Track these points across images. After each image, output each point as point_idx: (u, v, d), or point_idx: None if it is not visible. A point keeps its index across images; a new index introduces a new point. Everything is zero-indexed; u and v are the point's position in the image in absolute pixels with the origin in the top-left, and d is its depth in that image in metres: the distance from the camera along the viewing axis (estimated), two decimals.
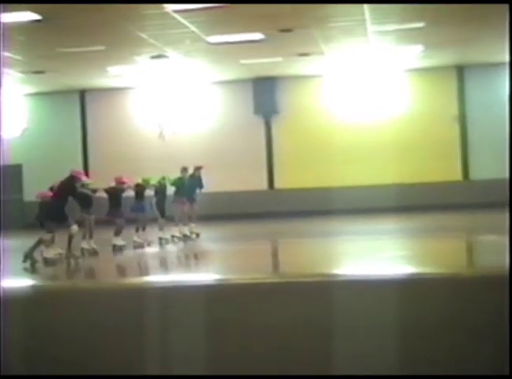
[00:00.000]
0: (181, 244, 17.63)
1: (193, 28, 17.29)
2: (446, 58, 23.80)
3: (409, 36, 19.65)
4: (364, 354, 3.95)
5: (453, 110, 25.79)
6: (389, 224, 20.93)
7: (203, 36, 18.31)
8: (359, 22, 17.61)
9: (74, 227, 14.10)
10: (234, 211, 24.96)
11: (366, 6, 15.95)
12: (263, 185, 26.23)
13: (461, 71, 25.69)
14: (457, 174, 25.73)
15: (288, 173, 26.10)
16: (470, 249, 16.08)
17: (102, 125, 26.77)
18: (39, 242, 14.20)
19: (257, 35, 18.61)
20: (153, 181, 17.75)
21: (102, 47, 19.15)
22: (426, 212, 23.16)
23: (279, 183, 26.30)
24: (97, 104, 26.82)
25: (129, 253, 15.90)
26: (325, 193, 24.84)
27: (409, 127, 25.65)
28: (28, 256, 14.04)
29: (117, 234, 16.04)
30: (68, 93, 26.46)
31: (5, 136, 25.63)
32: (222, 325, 3.92)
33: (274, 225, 22.26)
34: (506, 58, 24.10)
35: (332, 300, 3.91)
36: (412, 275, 4.44)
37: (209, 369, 3.85)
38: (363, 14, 16.72)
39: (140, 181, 17.48)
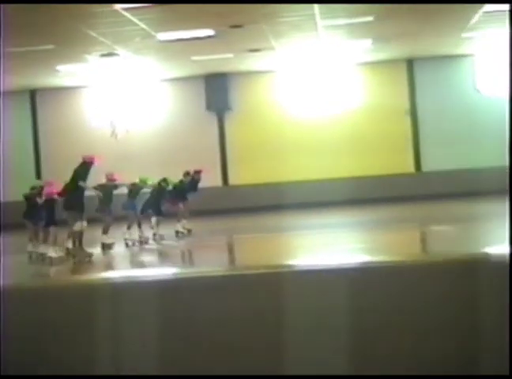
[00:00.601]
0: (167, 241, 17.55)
1: (142, 25, 17.22)
2: (395, 51, 24.01)
3: (359, 30, 19.78)
4: (316, 346, 3.96)
5: (405, 103, 26.03)
6: (343, 217, 21.07)
7: (153, 33, 18.25)
8: (309, 17, 17.68)
9: (83, 223, 14.20)
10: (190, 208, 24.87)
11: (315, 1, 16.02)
12: (217, 181, 26.22)
13: (411, 64, 25.94)
14: (409, 167, 25.99)
15: (242, 169, 26.13)
16: (424, 239, 16.27)
17: (54, 124, 26.53)
18: (73, 235, 14.22)
19: (208, 32, 18.60)
20: (150, 182, 17.72)
21: (51, 46, 18.98)
22: (379, 204, 23.35)
23: (233, 179, 26.32)
24: (48, 104, 26.57)
25: (119, 250, 15.76)
26: (279, 188, 24.91)
27: (361, 120, 25.83)
28: (77, 253, 14.13)
29: (105, 231, 15.80)
30: (18, 93, 26.17)
31: None
32: (173, 321, 3.91)
33: (229, 221, 22.27)
34: (455, 51, 24.43)
35: (284, 291, 3.93)
36: (366, 263, 4.45)
37: (161, 366, 3.84)
38: (312, 9, 16.80)
39: (135, 179, 17.51)
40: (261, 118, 26.14)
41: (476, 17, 19.07)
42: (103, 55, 20.52)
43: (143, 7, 15.39)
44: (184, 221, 18.63)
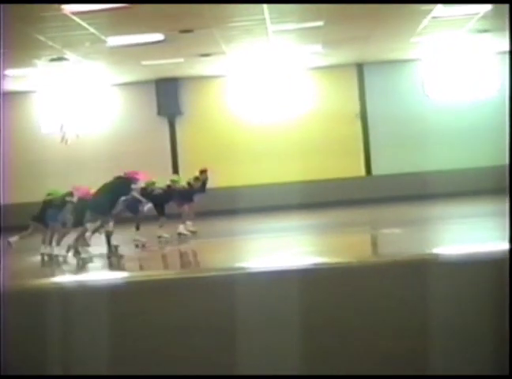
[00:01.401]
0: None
1: (92, 29, 17.11)
2: (346, 56, 24.19)
3: (309, 35, 19.89)
4: (268, 346, 3.99)
5: (355, 107, 26.23)
6: (295, 221, 21.13)
7: (103, 38, 18.14)
8: (259, 22, 17.74)
9: (111, 224, 14.72)
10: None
11: (265, 5, 16.07)
12: None
13: (361, 69, 26.15)
14: (360, 170, 26.19)
15: (193, 174, 26.02)
16: (373, 242, 16.42)
17: (2, 130, 26.19)
18: (108, 236, 14.72)
19: (158, 36, 18.55)
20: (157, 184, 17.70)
21: None
22: (331, 208, 23.49)
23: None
24: None
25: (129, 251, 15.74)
26: (231, 192, 24.92)
27: (313, 125, 25.97)
28: (113, 252, 14.72)
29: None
30: None
31: None
32: (123, 325, 3.91)
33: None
34: (404, 56, 24.70)
35: (234, 293, 3.94)
36: (316, 264, 4.50)
37: (111, 369, 3.83)
38: (262, 14, 16.85)
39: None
40: (212, 123, 26.14)
41: (425, 22, 19.30)
42: (52, 60, 20.33)
43: (92, 11, 15.29)
44: (189, 223, 18.48)
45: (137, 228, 16.92)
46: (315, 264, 4.38)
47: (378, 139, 26.04)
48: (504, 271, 3.92)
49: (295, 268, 4.30)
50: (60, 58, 20.20)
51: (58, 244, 15.43)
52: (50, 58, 20.08)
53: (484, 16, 18.97)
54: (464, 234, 14.90)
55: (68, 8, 15.02)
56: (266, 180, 25.46)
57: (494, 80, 26.08)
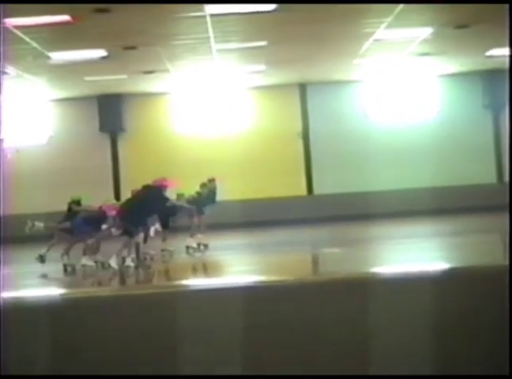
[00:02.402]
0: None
1: (34, 44, 16.97)
2: (288, 76, 24.37)
3: (252, 55, 20.01)
4: (209, 361, 4.00)
5: (297, 126, 26.41)
6: (236, 240, 21.15)
7: (46, 53, 18.01)
8: (203, 40, 17.79)
9: (141, 235, 14.72)
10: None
11: (209, 24, 16.13)
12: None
13: (303, 89, 26.36)
14: (301, 189, 26.33)
15: (133, 188, 25.90)
16: (314, 261, 16.52)
17: None
18: (137, 246, 14.70)
19: (101, 52, 18.49)
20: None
21: None
22: (273, 227, 23.54)
23: None
24: None
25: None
26: None
27: (255, 144, 26.06)
28: (138, 262, 14.57)
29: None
30: None
31: None
32: (63, 340, 3.89)
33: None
34: (346, 77, 24.98)
35: (173, 310, 3.94)
36: (256, 282, 4.53)
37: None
38: (206, 32, 16.91)
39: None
40: (155, 140, 26.06)
41: (367, 45, 19.56)
42: None
43: (35, 25, 15.18)
44: (200, 236, 17.68)
45: (145, 241, 16.14)
46: (255, 282, 4.40)
47: (320, 159, 26.24)
48: (440, 289, 4.00)
49: (235, 285, 4.32)
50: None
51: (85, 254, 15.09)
52: None
53: (425, 40, 19.31)
54: (401, 255, 15.08)
55: (10, 22, 14.88)
56: None
57: (434, 102, 26.52)
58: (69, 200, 16.14)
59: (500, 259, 13.65)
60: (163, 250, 17.03)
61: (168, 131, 26.19)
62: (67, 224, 15.30)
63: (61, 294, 4.74)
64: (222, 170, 25.79)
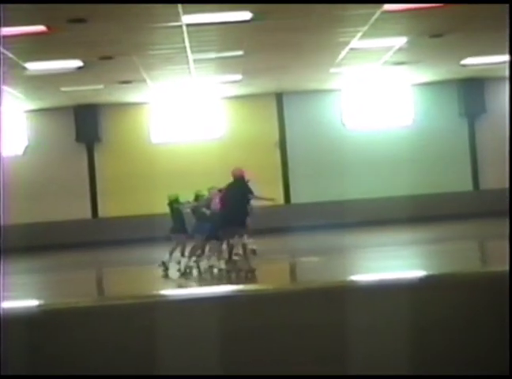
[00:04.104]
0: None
1: (10, 54, 16.90)
2: (265, 85, 24.41)
3: (229, 64, 20.04)
4: (187, 371, 4.00)
5: (274, 135, 26.46)
6: None
7: (21, 63, 17.94)
8: (180, 50, 17.79)
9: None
10: (57, 241, 24.43)
11: (186, 34, 16.14)
12: (87, 213, 25.87)
13: (280, 98, 26.42)
14: (279, 198, 26.32)
15: (112, 201, 25.87)
16: (291, 270, 16.55)
17: None
18: (231, 248, 14.01)
19: (77, 63, 18.43)
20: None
21: None
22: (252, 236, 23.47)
23: (103, 211, 26.01)
24: None
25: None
26: (150, 220, 24.74)
27: (233, 153, 26.02)
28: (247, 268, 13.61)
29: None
30: None
31: None
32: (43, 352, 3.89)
33: (97, 254, 21.99)
34: (323, 86, 25.08)
35: (151, 320, 3.95)
36: (233, 291, 4.54)
37: None
38: (183, 42, 16.92)
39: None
40: (131, 150, 26.01)
41: (343, 54, 19.65)
42: None
43: (11, 35, 15.11)
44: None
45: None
46: (232, 291, 4.42)
47: (297, 167, 26.30)
48: (417, 296, 4.02)
49: (211, 294, 4.33)
50: None
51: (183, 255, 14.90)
52: None
53: (401, 49, 19.43)
54: (378, 263, 15.14)
55: None
56: None
57: (410, 111, 26.67)
58: (167, 199, 15.74)
59: (477, 265, 13.75)
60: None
61: (145, 141, 26.15)
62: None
63: (38, 306, 4.73)
64: (197, 181, 25.77)
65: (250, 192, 13.88)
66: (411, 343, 3.96)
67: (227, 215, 13.63)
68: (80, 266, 19.12)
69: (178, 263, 14.84)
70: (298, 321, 3.99)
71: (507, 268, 4.05)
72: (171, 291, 12.17)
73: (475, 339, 4.00)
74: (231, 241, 14.03)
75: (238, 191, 13.75)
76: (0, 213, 23.32)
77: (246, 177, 14.31)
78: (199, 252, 14.72)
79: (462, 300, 4.04)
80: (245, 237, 14.09)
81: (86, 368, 3.93)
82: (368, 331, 4.01)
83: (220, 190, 14.84)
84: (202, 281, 14.13)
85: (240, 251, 14.57)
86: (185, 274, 14.61)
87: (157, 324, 3.96)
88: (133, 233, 24.84)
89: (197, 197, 15.49)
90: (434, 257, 15.74)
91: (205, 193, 15.69)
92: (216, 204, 14.52)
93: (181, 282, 14.33)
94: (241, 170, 14.32)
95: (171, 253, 15.03)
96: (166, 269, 14.92)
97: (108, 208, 25.90)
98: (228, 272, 14.15)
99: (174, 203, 15.56)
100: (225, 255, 14.47)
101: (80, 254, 22.02)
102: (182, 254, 15.06)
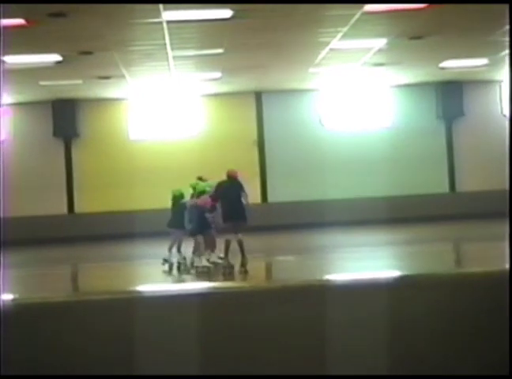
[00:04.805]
0: None
1: None
2: (244, 83, 24.42)
3: (209, 62, 20.02)
4: (166, 370, 4.00)
5: (253, 134, 26.47)
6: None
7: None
8: (160, 46, 17.76)
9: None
10: (32, 235, 24.30)
11: (166, 31, 16.12)
12: (63, 209, 25.76)
13: (259, 97, 26.43)
14: (256, 197, 26.35)
15: (89, 196, 25.78)
16: (267, 268, 16.59)
17: None
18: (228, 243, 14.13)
19: (56, 57, 18.34)
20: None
21: None
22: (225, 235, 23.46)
23: (79, 207, 25.91)
24: None
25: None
26: (126, 216, 24.72)
27: (211, 151, 26.04)
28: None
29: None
30: None
31: None
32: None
33: (73, 250, 21.90)
34: (302, 85, 25.12)
35: (129, 317, 3.94)
36: (209, 288, 4.55)
37: None
38: (163, 39, 16.88)
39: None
40: (109, 145, 25.93)
41: (323, 54, 19.69)
42: None
43: None
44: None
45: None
46: (208, 288, 4.42)
47: (275, 166, 26.33)
48: (393, 297, 4.05)
49: (188, 292, 4.33)
50: None
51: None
52: None
53: (380, 50, 19.49)
54: (354, 263, 15.19)
55: None
56: (163, 205, 25.34)
57: (388, 112, 26.77)
58: (171, 194, 15.73)
59: (452, 267, 13.83)
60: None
61: (123, 137, 26.08)
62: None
63: (13, 300, 4.71)
64: (175, 177, 25.74)
65: (244, 190, 14.73)
66: (391, 342, 3.98)
67: (230, 211, 14.37)
68: (55, 261, 19.03)
69: (184, 259, 14.82)
70: (272, 319, 4.00)
71: (486, 269, 4.09)
72: (150, 287, 12.17)
73: (456, 339, 4.03)
74: (228, 237, 14.35)
75: (237, 189, 14.59)
76: (0, 202, 23.18)
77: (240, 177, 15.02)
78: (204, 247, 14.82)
79: (440, 300, 4.07)
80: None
81: (58, 367, 3.92)
82: (345, 329, 4.03)
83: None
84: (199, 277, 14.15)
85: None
86: (182, 270, 14.72)
87: (134, 321, 3.95)
88: (109, 229, 24.76)
89: (195, 189, 15.53)
90: (410, 258, 15.81)
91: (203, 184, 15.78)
92: (203, 199, 14.65)
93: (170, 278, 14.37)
94: (236, 171, 15.15)
95: (170, 249, 15.01)
96: (171, 266, 14.89)
97: (85, 204, 25.81)
98: (225, 267, 14.27)
99: (178, 198, 15.46)
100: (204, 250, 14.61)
101: (55, 250, 21.91)
102: (179, 250, 15.04)
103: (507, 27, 15.87)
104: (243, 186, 14.72)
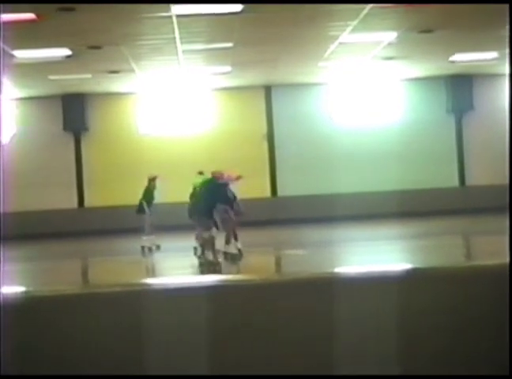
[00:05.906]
0: None
1: None
2: (254, 77, 24.41)
3: (218, 56, 20.02)
4: (174, 364, 4.00)
5: (262, 128, 26.46)
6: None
7: (9, 51, 17.86)
8: (169, 40, 17.76)
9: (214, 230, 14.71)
10: (43, 230, 24.36)
11: (175, 25, 16.11)
12: (73, 203, 25.82)
13: (269, 91, 26.41)
14: (265, 191, 26.37)
15: (98, 190, 25.83)
16: (277, 262, 16.59)
17: None
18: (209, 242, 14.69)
19: (65, 51, 18.37)
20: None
21: None
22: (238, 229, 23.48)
23: (89, 201, 25.96)
24: None
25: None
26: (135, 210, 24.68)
27: (220, 145, 26.04)
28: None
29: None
30: None
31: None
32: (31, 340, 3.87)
33: (84, 244, 21.94)
34: (311, 79, 25.09)
35: (138, 310, 3.94)
36: (220, 281, 4.53)
37: None
38: (172, 33, 16.88)
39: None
40: (119, 140, 25.96)
41: (332, 47, 19.66)
42: None
43: None
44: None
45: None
46: (219, 281, 4.41)
47: (285, 160, 26.32)
48: (403, 290, 4.04)
49: (197, 284, 4.32)
50: None
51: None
52: None
53: (390, 44, 19.45)
54: (365, 257, 15.18)
55: None
56: (171, 199, 25.36)
57: (398, 106, 26.72)
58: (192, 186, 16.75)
59: (461, 260, 13.81)
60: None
61: (132, 131, 26.11)
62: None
63: (24, 292, 4.69)
64: (184, 171, 25.75)
65: (223, 194, 15.74)
66: (394, 336, 3.98)
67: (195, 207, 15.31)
68: (65, 256, 19.07)
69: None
70: (283, 312, 4.00)
71: (496, 261, 4.08)
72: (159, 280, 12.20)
73: (467, 335, 4.02)
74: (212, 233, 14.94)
75: (211, 189, 15.51)
76: (0, 198, 23.21)
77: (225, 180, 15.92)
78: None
79: (451, 293, 4.06)
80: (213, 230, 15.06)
81: (68, 360, 3.92)
82: (355, 323, 4.02)
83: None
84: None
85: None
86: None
87: (143, 314, 3.95)
88: (119, 223, 24.78)
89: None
90: (421, 252, 15.80)
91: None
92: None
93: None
94: (221, 173, 16.16)
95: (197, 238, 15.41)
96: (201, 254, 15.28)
97: (94, 198, 25.86)
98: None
99: (203, 185, 16.31)
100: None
101: (66, 244, 21.97)
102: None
103: (507, 27, 15.82)
104: (222, 190, 15.51)
